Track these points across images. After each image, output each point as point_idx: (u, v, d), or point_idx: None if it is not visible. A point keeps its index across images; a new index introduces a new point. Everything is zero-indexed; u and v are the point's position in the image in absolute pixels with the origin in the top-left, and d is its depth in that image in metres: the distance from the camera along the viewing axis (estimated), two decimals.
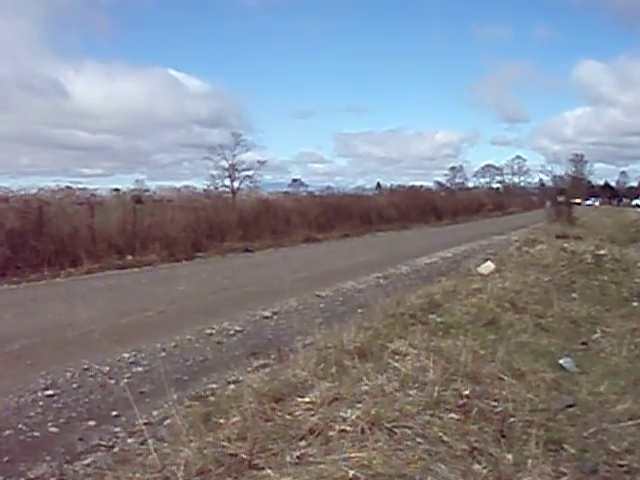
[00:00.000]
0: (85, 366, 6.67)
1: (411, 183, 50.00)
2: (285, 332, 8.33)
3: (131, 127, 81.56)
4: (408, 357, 5.37)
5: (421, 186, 50.84)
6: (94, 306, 10.15)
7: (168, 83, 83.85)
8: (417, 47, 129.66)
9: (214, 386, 6.14)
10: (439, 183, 56.83)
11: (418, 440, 3.70)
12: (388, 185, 56.48)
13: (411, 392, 4.49)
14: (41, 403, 5.63)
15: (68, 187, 20.90)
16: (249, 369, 6.62)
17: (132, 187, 24.89)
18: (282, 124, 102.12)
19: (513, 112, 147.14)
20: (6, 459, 4.50)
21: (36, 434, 4.97)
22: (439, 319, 7.52)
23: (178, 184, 37.72)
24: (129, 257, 16.55)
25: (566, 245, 14.97)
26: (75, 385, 6.14)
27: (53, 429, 5.09)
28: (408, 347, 5.70)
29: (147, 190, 24.36)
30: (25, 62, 72.74)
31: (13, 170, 62.99)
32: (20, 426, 5.09)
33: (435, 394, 4.38)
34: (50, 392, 5.89)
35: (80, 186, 22.43)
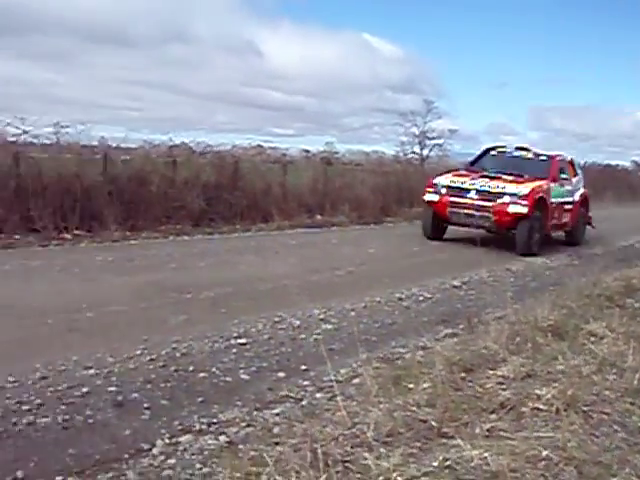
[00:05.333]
0: (276, 319, 6.75)
1: (606, 161, 46.14)
2: (474, 303, 8.05)
3: (323, 89, 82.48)
4: (605, 340, 5.16)
5: (617, 165, 46.87)
6: (285, 261, 10.35)
7: (361, 47, 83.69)
8: (622, 18, 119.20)
9: (402, 350, 5.95)
10: (637, 163, 51.97)
11: (615, 428, 3.53)
12: (581, 162, 52.90)
13: (609, 377, 4.29)
14: (234, 350, 5.75)
15: (259, 145, 21.49)
16: (437, 337, 6.41)
17: (321, 149, 25.02)
18: (474, 93, 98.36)
19: None
20: (200, 399, 4.62)
21: (228, 379, 5.07)
22: (637, 304, 7.06)
23: (367, 148, 37.50)
24: (318, 217, 16.81)
25: None
26: (266, 336, 6.21)
27: (244, 376, 5.16)
28: (605, 330, 5.47)
29: (336, 152, 24.34)
30: (222, 23, 75.73)
31: (209, 127, 66.48)
32: (214, 370, 5.22)
33: (635, 382, 4.15)
34: (242, 340, 6.00)
35: (271, 145, 22.94)
